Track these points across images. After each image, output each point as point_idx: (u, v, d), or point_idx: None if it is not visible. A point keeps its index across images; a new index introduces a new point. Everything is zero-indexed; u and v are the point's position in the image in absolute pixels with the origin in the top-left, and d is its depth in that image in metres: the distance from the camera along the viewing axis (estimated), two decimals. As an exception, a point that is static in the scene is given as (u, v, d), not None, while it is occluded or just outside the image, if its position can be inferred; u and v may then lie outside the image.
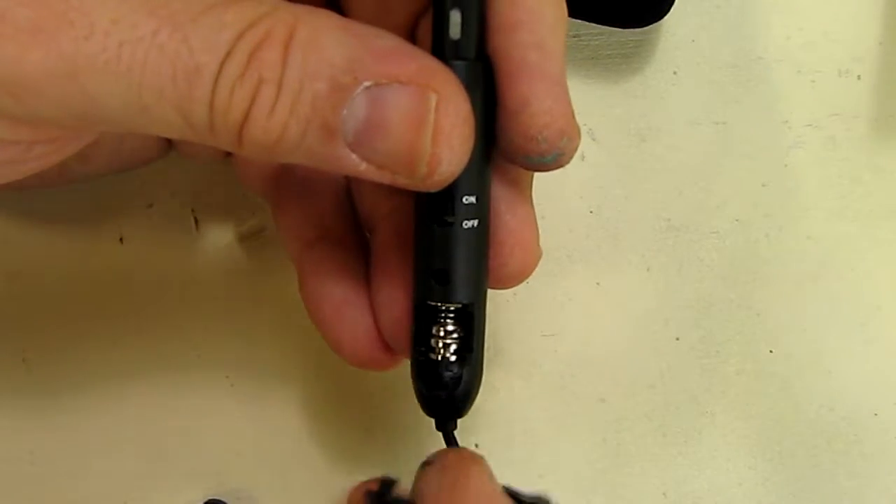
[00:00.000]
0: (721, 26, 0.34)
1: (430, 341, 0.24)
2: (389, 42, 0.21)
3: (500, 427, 0.33)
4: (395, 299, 0.26)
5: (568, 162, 0.24)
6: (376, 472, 0.34)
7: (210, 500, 0.33)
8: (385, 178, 0.21)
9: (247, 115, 0.20)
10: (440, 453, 0.25)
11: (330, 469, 0.33)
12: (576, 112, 0.34)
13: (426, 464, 0.25)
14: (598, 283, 0.34)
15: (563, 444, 0.33)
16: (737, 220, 0.34)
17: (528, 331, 0.34)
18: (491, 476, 0.25)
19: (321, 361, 0.32)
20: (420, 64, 0.21)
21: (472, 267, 0.24)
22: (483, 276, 0.25)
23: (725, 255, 0.34)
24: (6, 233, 0.33)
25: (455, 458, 0.25)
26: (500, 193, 0.25)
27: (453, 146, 0.21)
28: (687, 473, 0.33)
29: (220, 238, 0.33)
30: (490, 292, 0.25)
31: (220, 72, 0.20)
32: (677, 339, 0.34)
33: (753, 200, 0.34)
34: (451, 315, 0.24)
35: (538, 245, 0.26)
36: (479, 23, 0.22)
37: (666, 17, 0.32)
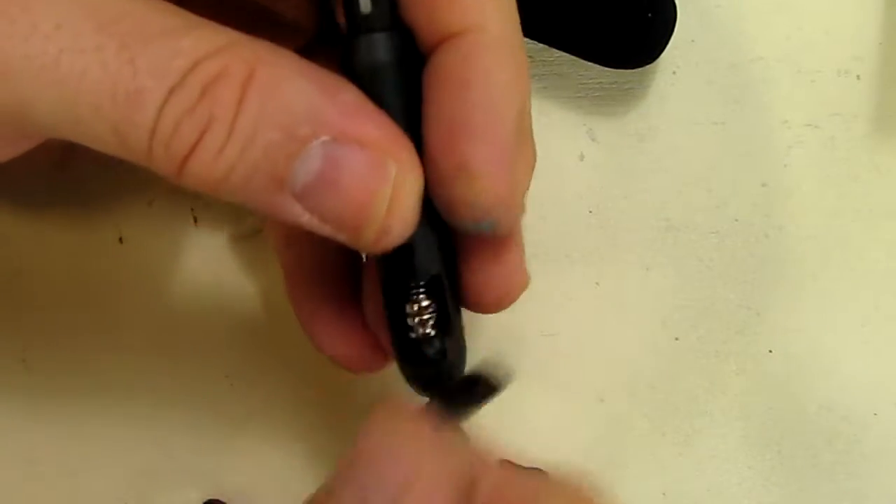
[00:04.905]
0: (721, 26, 0.34)
1: (406, 321, 0.24)
2: (352, 97, 0.20)
3: (500, 427, 0.33)
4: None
5: (507, 232, 0.23)
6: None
7: (210, 500, 0.33)
8: (325, 231, 0.21)
9: (191, 150, 0.19)
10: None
11: (330, 469, 0.33)
12: (575, 112, 0.34)
13: None
14: (597, 283, 0.34)
15: (563, 444, 0.33)
16: (737, 220, 0.34)
17: (528, 331, 0.34)
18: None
19: (322, 360, 0.32)
20: (383, 129, 0.20)
21: (431, 235, 0.23)
22: (446, 243, 0.24)
23: (725, 255, 0.34)
24: (6, 233, 0.33)
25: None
26: (485, 242, 0.24)
27: (406, 218, 0.21)
28: (687, 473, 0.33)
29: (219, 237, 0.33)
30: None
31: (166, 100, 0.19)
32: (677, 339, 0.34)
33: (753, 200, 0.34)
34: (422, 289, 0.24)
35: (526, 274, 0.25)
36: None
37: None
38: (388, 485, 0.19)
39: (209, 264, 0.33)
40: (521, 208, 0.23)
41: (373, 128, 0.20)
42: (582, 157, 0.34)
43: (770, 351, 0.34)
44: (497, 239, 0.24)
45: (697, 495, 0.33)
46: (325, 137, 0.20)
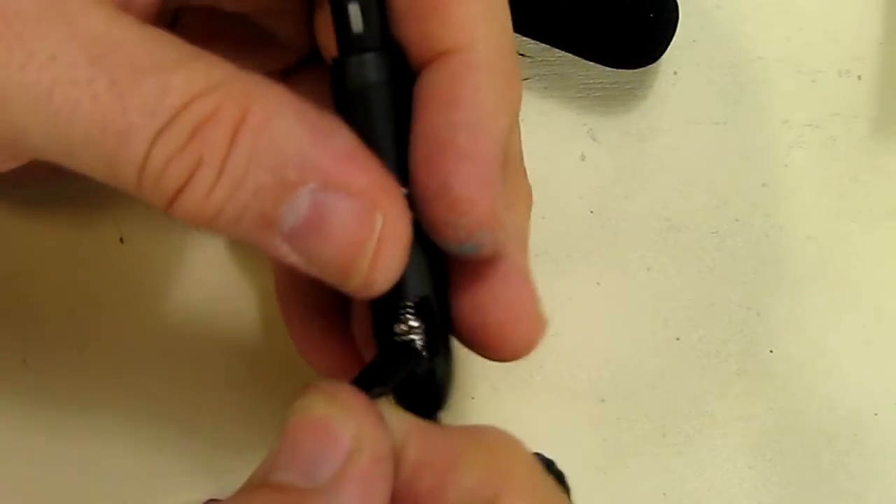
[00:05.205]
0: (721, 26, 0.34)
1: (394, 341, 0.23)
2: (343, 142, 0.20)
3: (499, 427, 0.33)
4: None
5: (490, 254, 0.22)
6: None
7: (210, 500, 0.33)
8: (314, 272, 0.20)
9: (181, 189, 0.19)
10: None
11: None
12: (576, 112, 0.34)
13: None
14: (598, 283, 0.34)
15: (563, 444, 0.33)
16: (737, 220, 0.34)
17: (529, 331, 0.34)
18: None
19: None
20: (372, 177, 0.20)
21: (422, 257, 0.23)
22: (436, 262, 0.24)
23: (725, 255, 0.34)
24: (6, 233, 0.33)
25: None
26: (495, 272, 0.23)
27: (391, 269, 0.21)
28: (687, 473, 0.33)
29: (220, 238, 0.33)
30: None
31: (156, 138, 0.19)
32: (677, 339, 0.34)
33: (753, 200, 0.34)
34: (411, 310, 0.23)
35: (542, 315, 0.24)
36: (380, 10, 0.22)
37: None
38: (333, 456, 0.19)
39: (210, 265, 0.33)
40: (504, 231, 0.22)
41: (361, 175, 0.20)
42: (583, 157, 0.34)
43: (771, 351, 0.34)
44: (502, 272, 0.24)
45: (697, 495, 0.33)
46: (313, 184, 0.19)
